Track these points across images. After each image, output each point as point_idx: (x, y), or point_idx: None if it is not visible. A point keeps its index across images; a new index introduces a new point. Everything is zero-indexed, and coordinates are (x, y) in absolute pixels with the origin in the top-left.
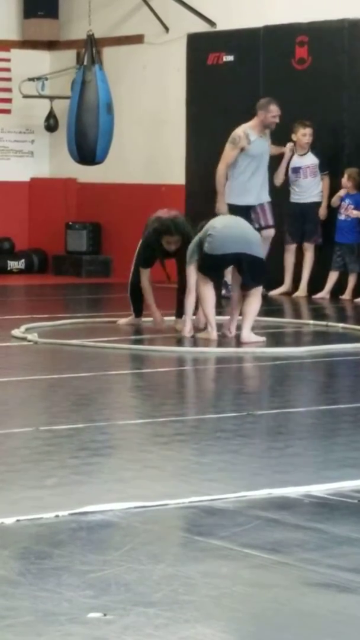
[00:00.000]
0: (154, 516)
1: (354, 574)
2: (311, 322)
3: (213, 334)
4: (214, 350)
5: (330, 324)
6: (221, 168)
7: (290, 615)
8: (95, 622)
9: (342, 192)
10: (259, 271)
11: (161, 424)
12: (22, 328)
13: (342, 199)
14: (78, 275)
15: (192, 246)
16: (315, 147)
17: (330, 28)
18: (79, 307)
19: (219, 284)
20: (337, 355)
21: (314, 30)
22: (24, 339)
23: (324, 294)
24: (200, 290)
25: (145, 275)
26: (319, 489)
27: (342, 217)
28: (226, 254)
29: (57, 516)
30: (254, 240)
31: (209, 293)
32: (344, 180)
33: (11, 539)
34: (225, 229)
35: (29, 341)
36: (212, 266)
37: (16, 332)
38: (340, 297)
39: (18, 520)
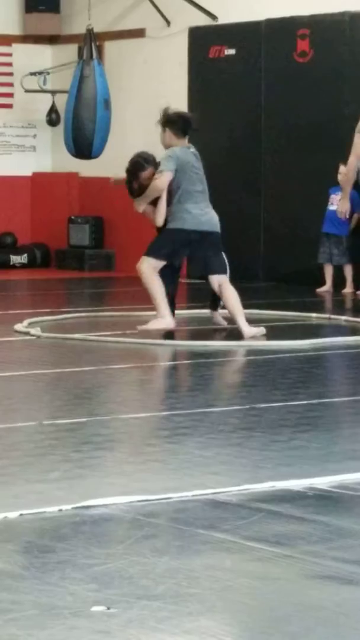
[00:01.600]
0: (157, 509)
1: (358, 566)
2: (313, 314)
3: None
4: (216, 344)
5: (332, 316)
6: (352, 161)
7: (293, 607)
8: (99, 615)
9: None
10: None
11: (164, 417)
12: (25, 322)
13: (332, 191)
14: (81, 270)
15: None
16: None
17: (332, 21)
18: (82, 301)
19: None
20: (340, 348)
21: (315, 23)
22: (26, 333)
23: (327, 288)
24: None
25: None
26: (323, 482)
27: (332, 207)
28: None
29: (60, 510)
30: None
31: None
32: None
33: (15, 533)
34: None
35: (32, 335)
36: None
37: (19, 326)
38: (342, 291)
39: (21, 514)
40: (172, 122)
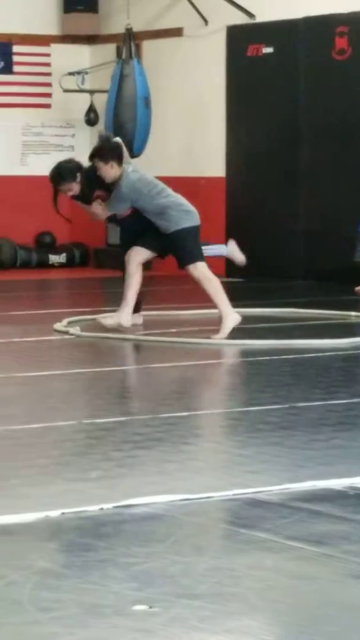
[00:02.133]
0: (198, 509)
1: None
2: (352, 313)
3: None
4: (256, 342)
5: None
6: None
7: (334, 607)
8: (140, 614)
9: None
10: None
11: (204, 416)
12: (64, 321)
13: None
14: (119, 269)
15: None
16: None
17: None
18: (120, 300)
19: None
20: None
21: (354, 20)
22: (66, 332)
23: None
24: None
25: None
26: None
27: None
28: None
29: (101, 509)
30: None
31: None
32: None
33: (56, 532)
34: None
35: (71, 335)
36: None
37: (58, 325)
38: None
39: (63, 513)
40: (106, 154)
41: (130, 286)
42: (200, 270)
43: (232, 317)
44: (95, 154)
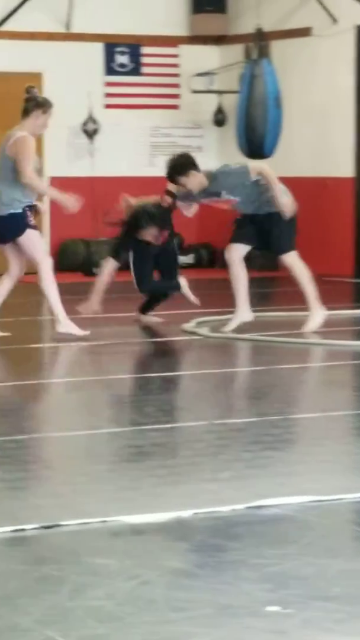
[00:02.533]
0: (330, 510)
1: None
2: None
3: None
4: None
5: None
6: None
7: None
8: (274, 615)
9: None
10: None
11: (334, 417)
12: (193, 322)
13: None
14: (248, 269)
15: None
16: None
17: None
18: (250, 300)
19: None
20: None
21: None
22: (194, 333)
23: None
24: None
25: None
26: None
27: None
28: None
29: (233, 509)
30: None
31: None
32: None
33: (188, 532)
34: None
35: (200, 335)
36: None
37: (187, 326)
38: None
39: (195, 514)
40: (186, 166)
41: (237, 289)
42: (294, 258)
43: (322, 313)
44: (174, 172)
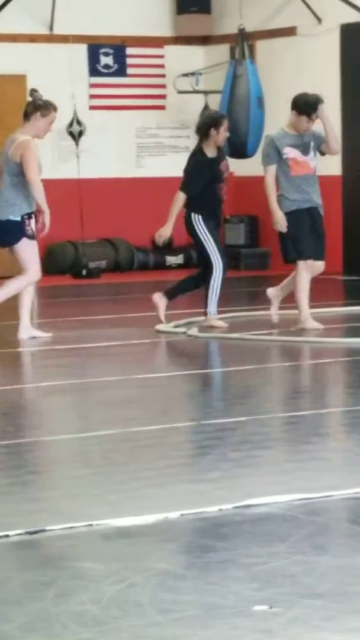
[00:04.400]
0: (318, 508)
1: None
2: None
3: (311, 322)
4: None
5: None
6: None
7: None
8: (261, 614)
9: None
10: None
11: (323, 415)
12: (173, 323)
13: None
14: (237, 269)
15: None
16: None
17: None
18: (239, 300)
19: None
20: None
21: None
22: (184, 333)
23: None
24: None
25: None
26: None
27: None
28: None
29: (220, 510)
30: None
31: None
32: None
33: (176, 533)
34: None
35: (189, 335)
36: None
37: (170, 326)
38: None
39: (182, 514)
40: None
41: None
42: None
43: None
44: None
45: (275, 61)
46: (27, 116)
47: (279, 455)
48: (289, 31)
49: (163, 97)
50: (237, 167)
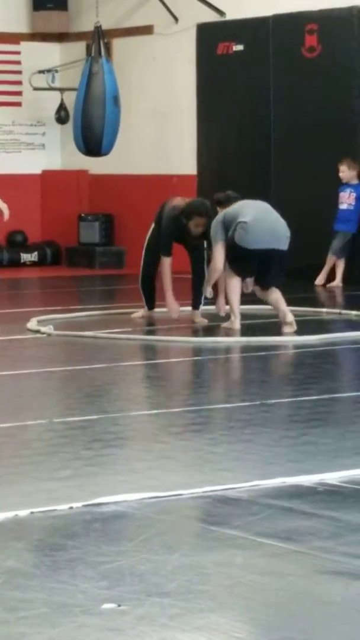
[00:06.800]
0: (168, 506)
1: None
2: (324, 310)
3: (236, 323)
4: (227, 340)
5: (343, 312)
6: None
7: (304, 603)
8: (109, 613)
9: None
10: (282, 269)
11: (174, 414)
12: (35, 320)
13: (341, 189)
14: (91, 267)
15: (216, 225)
16: None
17: (340, 15)
18: (93, 298)
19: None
20: (351, 343)
21: (323, 18)
22: (37, 331)
23: (337, 282)
24: (228, 280)
25: (167, 263)
26: (333, 477)
27: (342, 206)
28: (258, 249)
29: (70, 508)
30: (284, 233)
31: (236, 283)
32: (345, 168)
33: (25, 531)
34: (258, 223)
35: (43, 333)
36: (243, 259)
37: (31, 324)
38: (328, 285)
39: (32, 513)
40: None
41: (229, 293)
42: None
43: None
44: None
45: (132, 59)
46: None
47: (129, 454)
48: (146, 30)
49: (19, 93)
50: (92, 165)
